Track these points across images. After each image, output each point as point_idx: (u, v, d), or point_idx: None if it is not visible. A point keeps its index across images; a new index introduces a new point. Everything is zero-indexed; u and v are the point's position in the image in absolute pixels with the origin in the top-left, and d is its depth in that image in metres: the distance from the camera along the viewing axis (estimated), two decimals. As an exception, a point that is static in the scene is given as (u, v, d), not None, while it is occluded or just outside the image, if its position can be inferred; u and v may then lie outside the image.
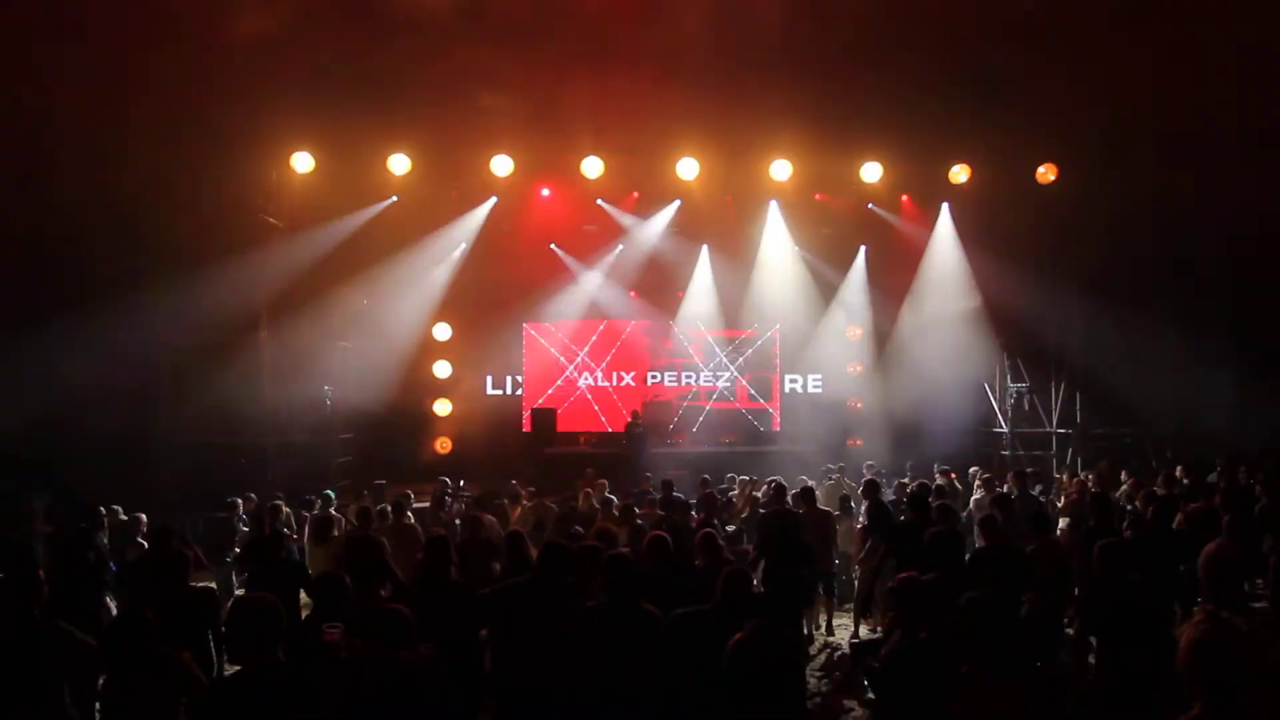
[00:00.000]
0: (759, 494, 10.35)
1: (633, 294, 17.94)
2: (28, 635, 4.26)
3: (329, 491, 11.08)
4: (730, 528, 9.21)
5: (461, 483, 12.04)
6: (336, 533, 9.11)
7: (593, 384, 18.30)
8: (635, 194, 16.62)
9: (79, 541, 8.38)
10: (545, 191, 16.39)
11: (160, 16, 11.06)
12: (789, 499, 8.92)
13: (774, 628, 4.02)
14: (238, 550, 9.85)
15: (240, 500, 10.64)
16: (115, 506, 10.05)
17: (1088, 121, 13.96)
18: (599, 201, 16.40)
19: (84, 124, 12.19)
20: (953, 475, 11.69)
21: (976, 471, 12.26)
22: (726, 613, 4.30)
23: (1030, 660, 3.93)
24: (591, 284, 17.51)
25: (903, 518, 8.25)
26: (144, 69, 11.67)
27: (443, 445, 16.74)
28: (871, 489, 9.22)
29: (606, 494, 10.57)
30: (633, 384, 18.46)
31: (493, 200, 16.17)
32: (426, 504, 11.01)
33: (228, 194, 13.98)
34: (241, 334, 14.45)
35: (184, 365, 13.82)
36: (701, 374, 18.50)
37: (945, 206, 16.63)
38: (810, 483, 10.36)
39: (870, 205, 16.50)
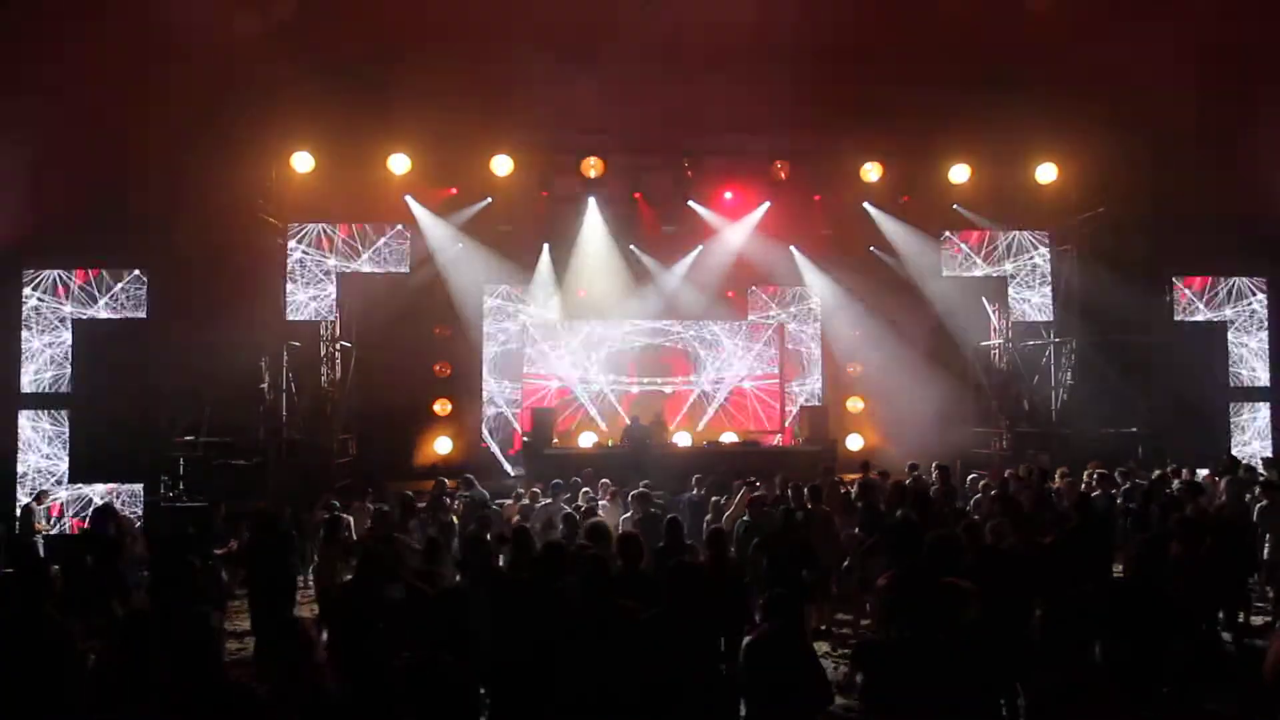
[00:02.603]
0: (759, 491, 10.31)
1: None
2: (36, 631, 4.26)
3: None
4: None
5: (468, 478, 12.03)
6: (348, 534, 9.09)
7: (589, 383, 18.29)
8: (637, 194, 16.62)
9: (82, 541, 8.42)
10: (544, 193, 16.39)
11: (160, 15, 11.07)
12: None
13: (782, 629, 4.02)
14: (219, 551, 9.89)
15: (221, 501, 10.65)
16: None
17: (1089, 120, 14.00)
18: (591, 199, 16.40)
19: (84, 122, 12.21)
20: (950, 475, 11.64)
21: (976, 478, 12.25)
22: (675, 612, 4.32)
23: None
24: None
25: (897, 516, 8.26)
26: (144, 69, 11.68)
27: (442, 445, 16.75)
28: (865, 490, 9.24)
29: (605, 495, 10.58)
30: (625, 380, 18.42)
31: (487, 200, 16.18)
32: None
33: (228, 193, 14.00)
34: (242, 334, 14.48)
35: (185, 365, 13.86)
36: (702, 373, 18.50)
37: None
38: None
39: (866, 204, 16.55)
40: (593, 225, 16.84)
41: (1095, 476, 11.25)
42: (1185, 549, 6.43)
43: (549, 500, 10.22)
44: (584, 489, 10.70)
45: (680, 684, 4.30)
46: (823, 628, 8.97)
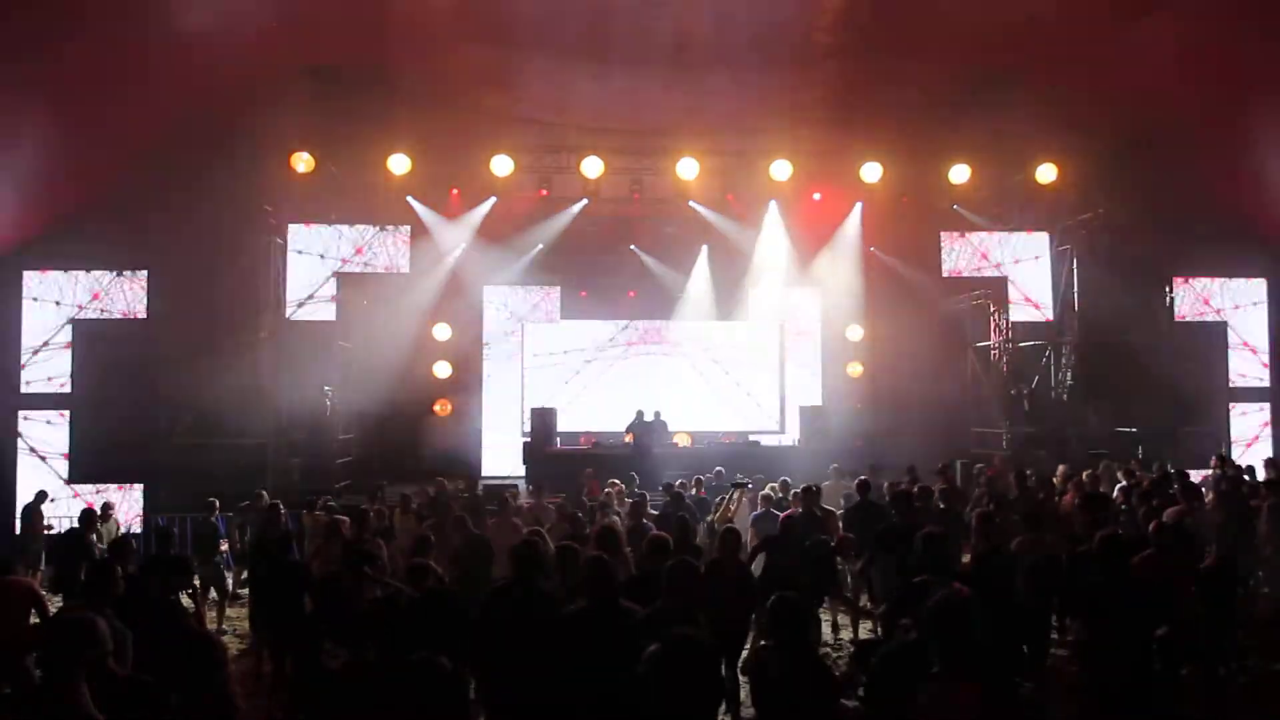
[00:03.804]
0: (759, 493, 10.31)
1: (631, 294, 18.01)
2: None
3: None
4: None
5: (461, 484, 12.04)
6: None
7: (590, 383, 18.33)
8: (636, 194, 16.60)
9: (81, 541, 8.45)
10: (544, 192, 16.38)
11: (160, 16, 11.06)
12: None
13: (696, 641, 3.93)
14: (224, 550, 9.92)
15: (217, 500, 10.67)
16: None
17: (1089, 120, 14.00)
18: (584, 201, 16.39)
19: (85, 123, 12.20)
20: (951, 476, 11.67)
21: (981, 469, 12.27)
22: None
23: (1004, 665, 3.89)
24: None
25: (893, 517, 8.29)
26: (144, 69, 11.68)
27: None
28: (863, 488, 9.24)
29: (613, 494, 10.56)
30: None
31: (492, 200, 16.18)
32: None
33: (228, 194, 13.99)
34: (242, 333, 14.49)
35: (185, 365, 13.88)
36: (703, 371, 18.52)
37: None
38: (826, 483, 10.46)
39: (858, 203, 16.56)
40: (591, 225, 16.86)
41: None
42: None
43: (532, 501, 10.23)
44: (607, 489, 10.67)
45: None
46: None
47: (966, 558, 7.00)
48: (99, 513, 10.03)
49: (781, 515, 8.82)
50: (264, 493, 11.13)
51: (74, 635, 3.12)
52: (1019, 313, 16.93)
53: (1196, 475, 11.53)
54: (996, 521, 6.92)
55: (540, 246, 16.86)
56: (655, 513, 9.22)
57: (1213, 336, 16.65)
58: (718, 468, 11.53)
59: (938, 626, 3.60)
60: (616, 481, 11.23)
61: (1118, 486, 10.90)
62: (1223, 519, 8.86)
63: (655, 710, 3.48)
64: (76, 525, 9.26)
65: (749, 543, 8.50)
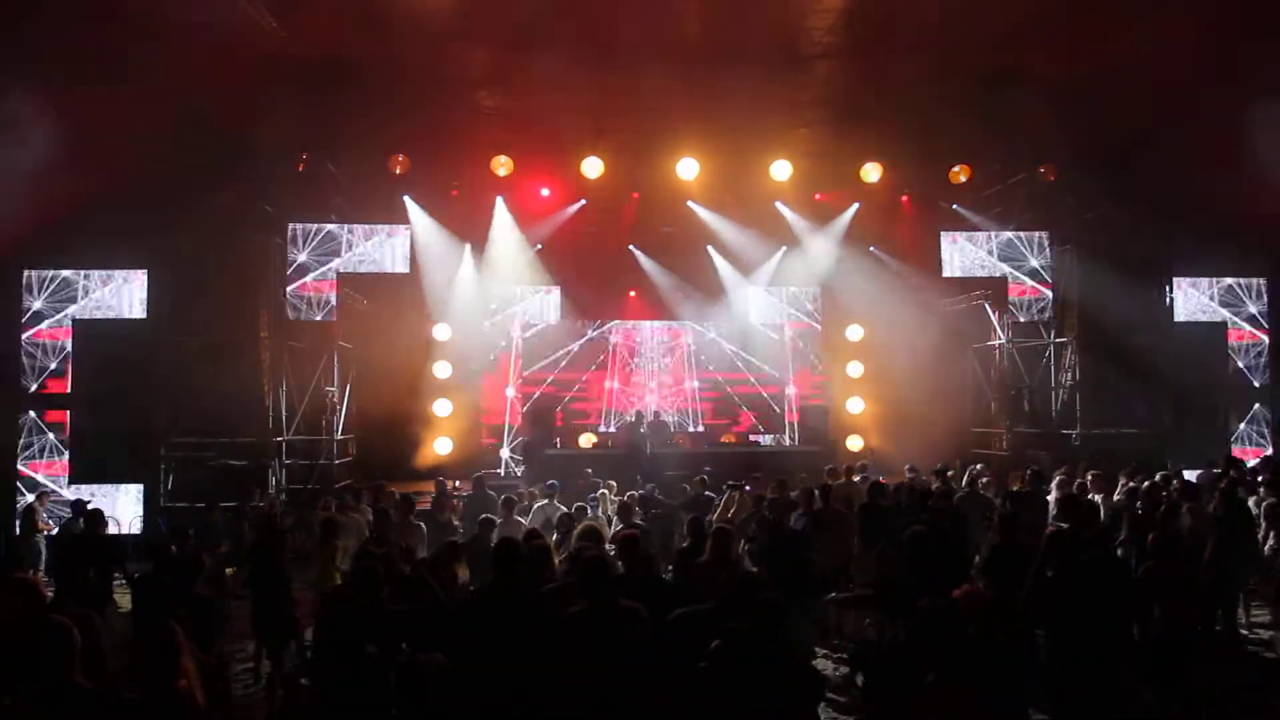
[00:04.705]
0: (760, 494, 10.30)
1: (631, 294, 18.05)
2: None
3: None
4: None
5: (456, 483, 12.03)
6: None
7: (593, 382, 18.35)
8: (635, 195, 16.60)
9: (83, 538, 8.46)
10: (545, 191, 16.39)
11: (162, 15, 11.04)
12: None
13: (759, 631, 3.94)
14: (224, 550, 9.92)
15: (216, 500, 10.66)
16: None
17: (1089, 120, 13.97)
18: (581, 202, 16.39)
19: (84, 123, 12.19)
20: (949, 475, 11.65)
21: (982, 468, 12.26)
22: (729, 612, 4.25)
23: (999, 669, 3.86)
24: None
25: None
26: (144, 68, 11.66)
27: (443, 445, 16.74)
28: (876, 491, 9.24)
29: (611, 495, 10.56)
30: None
31: (498, 200, 16.19)
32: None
33: (228, 193, 13.98)
34: (242, 334, 14.48)
35: (185, 365, 13.87)
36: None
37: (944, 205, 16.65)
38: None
39: (855, 204, 16.57)
40: (591, 225, 16.86)
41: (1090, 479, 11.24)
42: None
43: (545, 501, 10.18)
44: (602, 490, 10.65)
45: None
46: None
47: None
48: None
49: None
50: (263, 492, 11.16)
51: (47, 638, 3.05)
52: (1020, 312, 16.91)
53: (1193, 475, 11.53)
54: (1017, 519, 6.93)
55: (539, 246, 16.87)
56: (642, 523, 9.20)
57: (1213, 336, 16.61)
58: (755, 474, 11.51)
59: (927, 631, 3.60)
60: (612, 483, 11.22)
61: (1122, 488, 10.88)
62: (1222, 519, 8.80)
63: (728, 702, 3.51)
64: (79, 523, 9.24)
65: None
